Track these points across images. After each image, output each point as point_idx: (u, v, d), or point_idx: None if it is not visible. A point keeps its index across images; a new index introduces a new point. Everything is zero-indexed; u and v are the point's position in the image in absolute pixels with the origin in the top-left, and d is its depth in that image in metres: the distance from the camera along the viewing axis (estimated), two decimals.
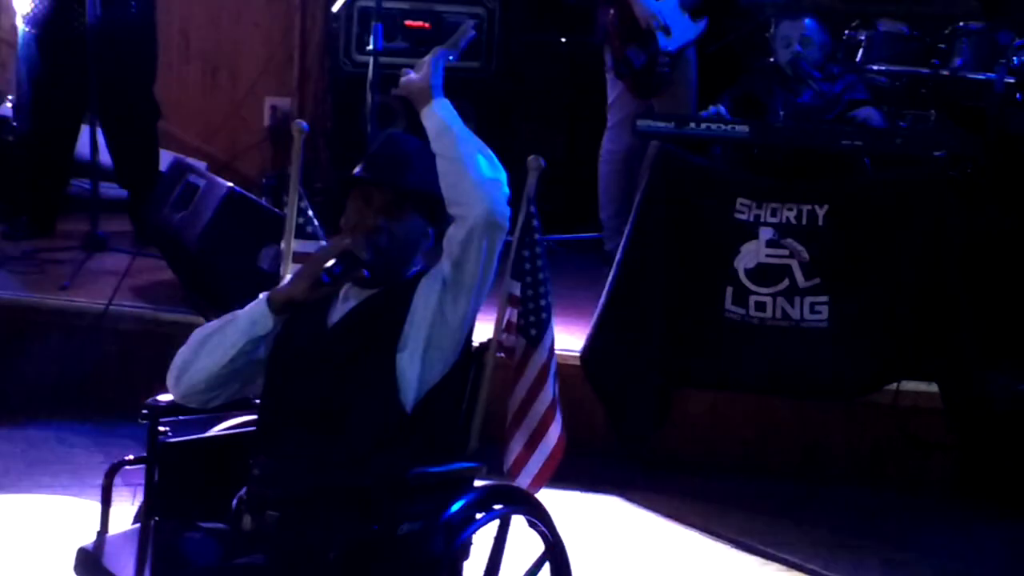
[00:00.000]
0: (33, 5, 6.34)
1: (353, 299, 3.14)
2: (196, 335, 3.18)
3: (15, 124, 6.84)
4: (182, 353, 3.17)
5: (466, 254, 3.03)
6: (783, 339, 5.22)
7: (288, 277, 3.34)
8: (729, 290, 5.25)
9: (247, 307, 3.15)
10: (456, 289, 3.06)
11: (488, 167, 3.05)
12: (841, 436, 5.30)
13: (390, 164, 3.15)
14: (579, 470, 4.92)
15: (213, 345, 3.13)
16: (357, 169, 3.19)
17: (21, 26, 6.45)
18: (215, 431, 3.31)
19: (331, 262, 3.05)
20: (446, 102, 3.12)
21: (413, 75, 3.14)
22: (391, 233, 3.11)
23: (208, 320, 3.29)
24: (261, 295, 3.19)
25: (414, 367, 3.04)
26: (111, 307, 5.54)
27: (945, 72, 6.05)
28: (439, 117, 3.09)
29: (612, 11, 6.45)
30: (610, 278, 5.37)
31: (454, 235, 3.04)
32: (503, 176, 3.07)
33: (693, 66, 6.50)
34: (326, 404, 3.05)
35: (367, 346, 3.06)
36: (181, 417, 3.20)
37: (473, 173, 3.02)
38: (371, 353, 3.05)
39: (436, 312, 3.06)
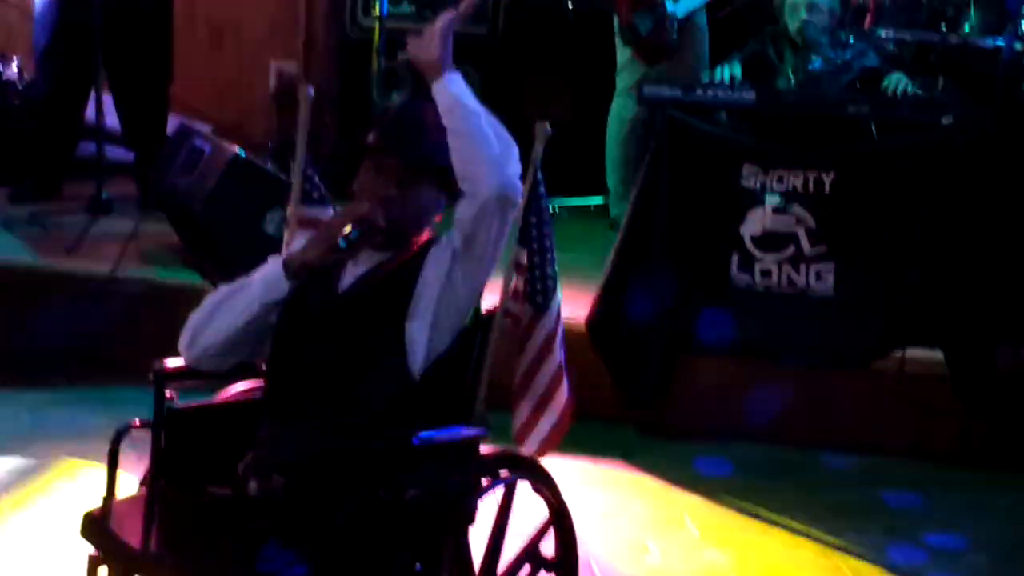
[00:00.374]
0: None
1: (363, 265, 3.14)
2: (210, 299, 3.17)
3: (22, 88, 6.83)
4: (195, 316, 3.17)
5: (477, 229, 3.02)
6: (789, 306, 5.22)
7: (295, 242, 3.34)
8: (735, 257, 5.25)
9: (261, 271, 3.14)
10: (466, 262, 3.05)
11: (499, 142, 3.02)
12: (846, 402, 5.30)
13: (405, 133, 3.14)
14: (585, 436, 4.94)
15: (227, 308, 3.13)
16: (371, 136, 3.17)
17: None
18: (222, 396, 3.32)
19: (348, 228, 3.05)
20: (457, 76, 3.08)
21: (420, 43, 3.09)
22: (403, 202, 3.10)
23: (214, 284, 3.30)
24: (271, 259, 3.19)
25: (423, 336, 3.04)
26: (117, 271, 5.53)
27: (954, 38, 6.01)
28: (450, 91, 3.05)
29: None
30: (616, 244, 5.36)
31: (465, 210, 3.02)
32: (514, 151, 3.04)
33: (704, 32, 6.47)
34: (334, 369, 3.06)
35: (377, 313, 3.06)
36: (188, 382, 3.21)
37: (484, 149, 3.00)
38: (381, 320, 3.05)
39: (446, 283, 3.06)
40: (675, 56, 6.40)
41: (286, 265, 3.11)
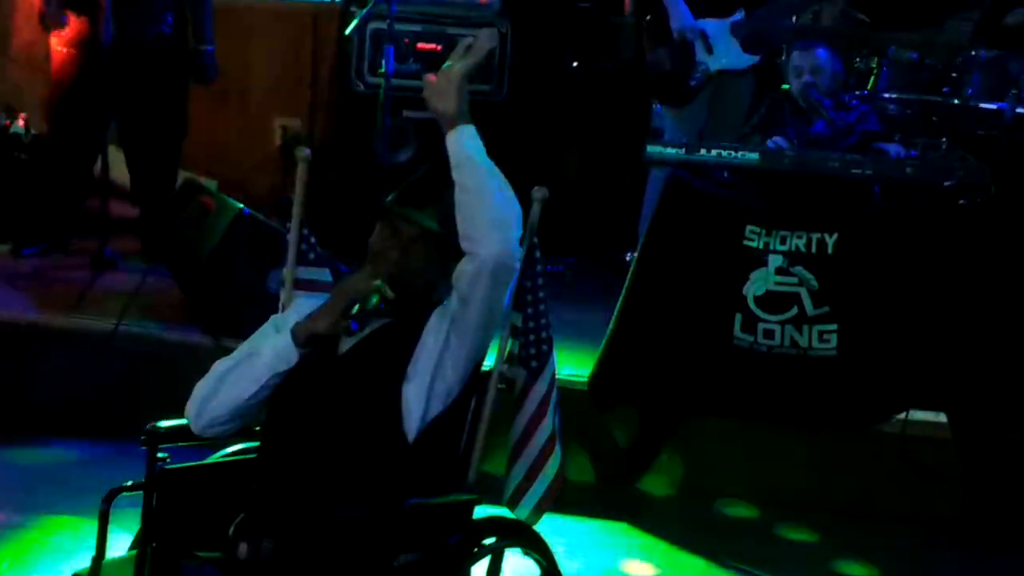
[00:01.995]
0: (64, 22, 6.36)
1: (366, 328, 3.13)
2: (217, 368, 3.16)
3: (29, 142, 6.86)
4: (203, 386, 3.16)
5: (473, 292, 3.00)
6: (791, 367, 5.20)
7: (294, 304, 3.33)
8: (738, 317, 5.23)
9: (270, 341, 3.13)
10: (463, 325, 3.05)
11: (504, 205, 2.99)
12: (849, 466, 5.27)
13: (423, 200, 3.13)
14: (585, 496, 4.94)
15: (236, 378, 3.12)
16: (391, 196, 3.17)
17: (55, 46, 6.46)
18: (215, 457, 3.30)
19: (356, 307, 3.03)
20: (470, 129, 3.06)
21: (437, 90, 3.07)
22: (416, 268, 3.09)
23: (217, 341, 3.29)
24: (271, 318, 3.18)
25: (420, 400, 3.03)
26: (120, 327, 5.54)
27: (956, 100, 6.04)
28: (462, 145, 3.04)
29: (649, 16, 6.46)
30: (619, 303, 5.35)
31: (463, 271, 3.01)
32: (518, 214, 3.02)
33: (745, 94, 6.44)
34: (329, 432, 3.05)
35: (375, 376, 3.05)
36: (181, 443, 3.20)
37: (488, 211, 2.97)
38: (378, 383, 3.05)
39: (444, 347, 3.05)
40: (716, 109, 6.39)
41: (294, 335, 3.09)
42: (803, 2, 6.22)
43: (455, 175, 3.00)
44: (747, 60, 6.27)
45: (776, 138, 5.60)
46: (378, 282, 3.05)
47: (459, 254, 3.02)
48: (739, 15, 6.21)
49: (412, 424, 3.04)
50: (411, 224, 3.11)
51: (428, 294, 3.14)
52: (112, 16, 6.10)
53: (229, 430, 3.17)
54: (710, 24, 6.28)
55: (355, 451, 3.02)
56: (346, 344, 3.13)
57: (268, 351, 3.10)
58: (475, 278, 2.99)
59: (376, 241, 3.14)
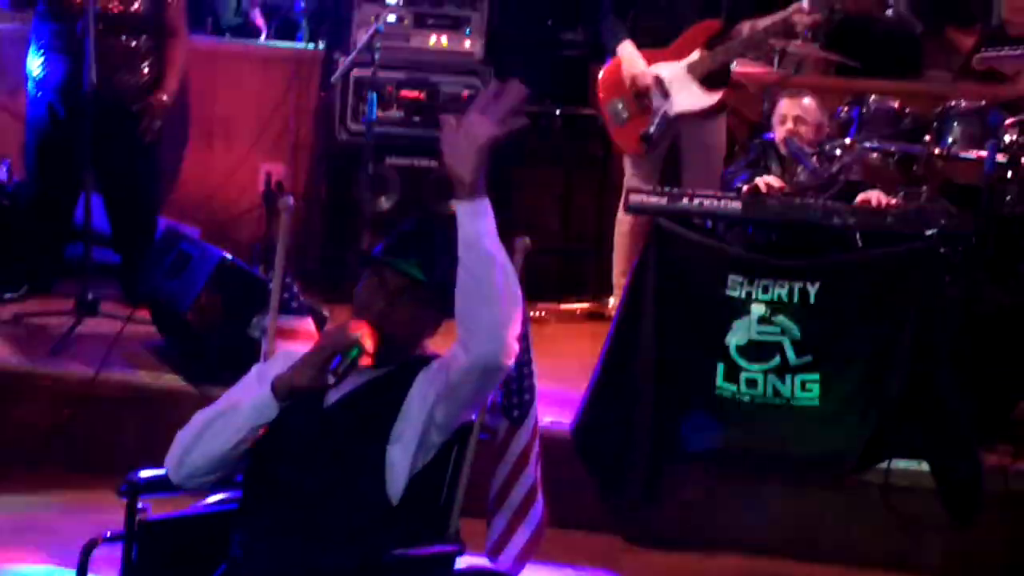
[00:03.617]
0: (44, 69, 6.37)
1: (350, 381, 3.11)
2: (197, 419, 3.14)
3: (10, 188, 6.85)
4: (183, 436, 3.14)
5: (463, 382, 2.98)
6: (774, 417, 5.20)
7: (277, 353, 3.33)
8: (720, 366, 5.23)
9: (249, 393, 3.11)
10: (451, 404, 3.03)
11: (507, 304, 2.88)
12: (832, 514, 5.26)
13: (411, 251, 3.11)
14: (568, 544, 4.92)
15: (216, 430, 3.10)
16: (379, 247, 3.16)
17: (32, 89, 6.48)
18: (195, 507, 3.29)
19: (336, 361, 3.02)
20: (485, 205, 2.88)
21: (457, 149, 2.90)
22: (400, 320, 3.09)
23: (198, 389, 3.28)
24: (254, 369, 3.17)
25: (404, 462, 3.02)
26: (101, 373, 5.52)
27: (936, 150, 6.07)
28: (475, 223, 2.86)
29: (603, 69, 6.50)
30: (603, 351, 5.35)
31: (456, 356, 2.97)
32: (518, 310, 2.92)
33: (717, 134, 6.46)
34: (312, 487, 3.03)
35: (359, 434, 3.04)
36: (162, 493, 3.19)
37: (489, 309, 2.87)
38: (362, 442, 3.04)
39: (429, 416, 3.04)
40: (690, 158, 6.42)
41: (274, 388, 3.06)
42: (761, 40, 6.22)
43: (461, 252, 2.86)
44: (708, 100, 6.29)
45: (767, 176, 5.61)
46: (359, 335, 3.04)
47: (447, 306, 3.00)
48: (696, 54, 6.25)
49: (396, 485, 3.02)
50: (398, 274, 3.10)
51: (414, 345, 3.13)
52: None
53: (209, 482, 3.16)
54: (666, 67, 6.31)
55: (338, 508, 3.01)
56: (332, 397, 3.12)
57: (248, 404, 3.08)
58: (466, 372, 2.96)
59: (362, 291, 3.13)
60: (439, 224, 3.10)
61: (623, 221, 6.52)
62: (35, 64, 6.47)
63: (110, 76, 6.24)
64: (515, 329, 2.90)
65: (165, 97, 6.53)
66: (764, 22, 6.15)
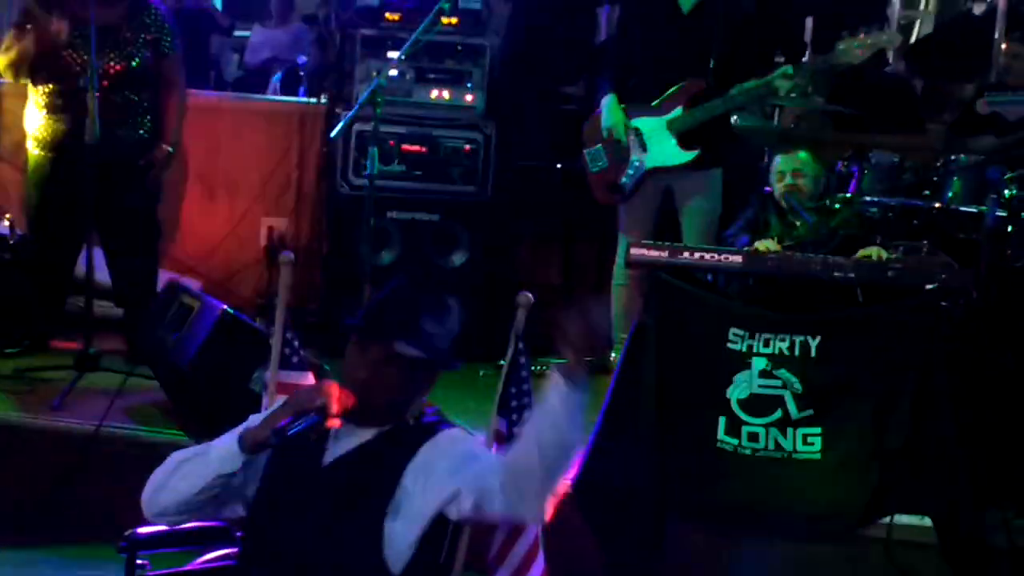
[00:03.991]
0: (44, 128, 6.41)
1: (347, 440, 3.09)
2: (172, 459, 3.18)
3: (12, 243, 6.87)
4: (158, 473, 3.18)
5: (486, 515, 3.01)
6: (776, 470, 5.18)
7: (265, 414, 3.31)
8: (722, 420, 5.22)
9: (222, 439, 3.12)
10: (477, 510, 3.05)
11: (560, 480, 3.00)
12: (835, 569, 5.23)
13: (391, 320, 3.09)
14: None
15: (185, 473, 3.12)
16: (361, 312, 3.16)
17: (32, 148, 6.50)
18: (194, 565, 3.28)
19: (287, 421, 3.00)
20: (581, 398, 2.99)
21: (582, 337, 2.96)
22: (383, 387, 3.06)
23: (199, 443, 3.28)
24: (249, 419, 3.17)
25: (409, 537, 3.00)
26: (102, 428, 5.50)
27: (937, 204, 6.09)
28: (566, 409, 2.94)
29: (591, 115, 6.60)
30: (603, 405, 5.34)
31: (493, 497, 2.99)
32: (559, 479, 3.02)
33: (713, 192, 6.47)
34: (311, 556, 3.01)
35: (353, 502, 3.01)
36: (162, 550, 3.18)
37: (544, 483, 2.95)
38: (356, 512, 3.01)
39: (453, 503, 3.03)
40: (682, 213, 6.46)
41: (241, 440, 3.07)
42: (743, 102, 6.24)
43: (542, 423, 2.96)
44: (684, 156, 6.33)
45: (766, 242, 5.63)
46: (323, 400, 3.00)
47: (428, 372, 3.02)
48: (677, 111, 6.29)
49: (398, 559, 3.01)
50: (375, 342, 3.07)
51: (404, 405, 3.11)
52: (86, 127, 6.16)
53: (180, 521, 3.16)
54: (646, 122, 6.36)
55: (337, 570, 2.99)
56: (329, 455, 3.09)
57: (216, 452, 3.09)
58: (495, 512, 3.00)
59: (346, 359, 3.11)
60: (423, 289, 3.09)
61: (618, 275, 6.55)
62: (35, 123, 6.50)
63: (111, 131, 6.28)
64: (551, 497, 3.00)
65: (167, 147, 6.55)
66: (748, 85, 6.19)
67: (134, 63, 6.46)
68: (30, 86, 6.52)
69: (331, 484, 3.06)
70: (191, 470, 3.11)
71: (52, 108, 6.44)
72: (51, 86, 6.41)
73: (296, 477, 3.08)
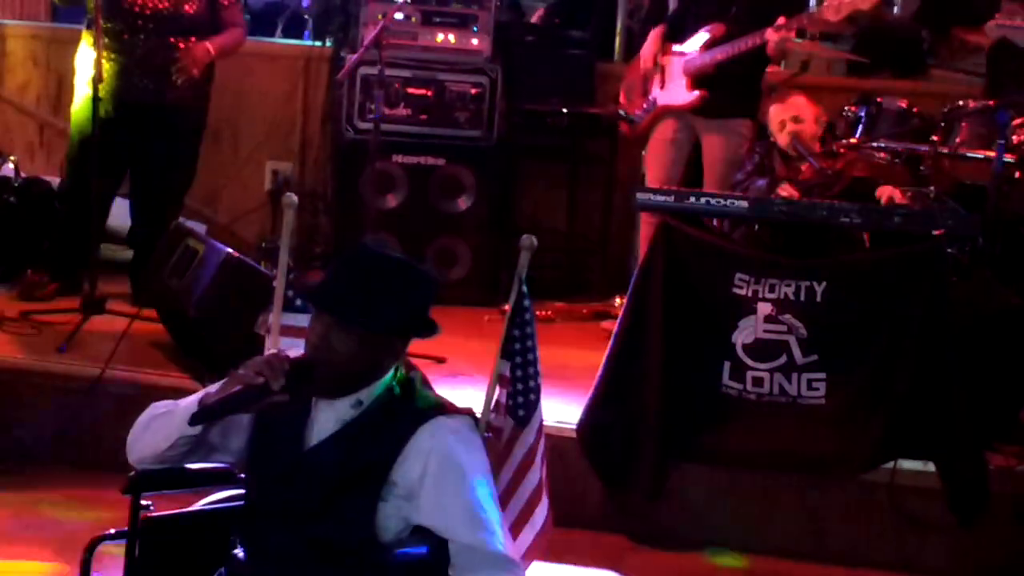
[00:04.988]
0: (94, 68, 6.36)
1: (328, 420, 3.02)
2: (149, 410, 3.16)
3: (16, 184, 6.86)
4: (138, 422, 3.16)
5: None
6: (780, 415, 5.19)
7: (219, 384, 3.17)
8: (727, 365, 5.23)
9: (190, 399, 3.09)
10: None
11: None
12: (838, 515, 5.25)
13: (339, 291, 2.99)
14: (573, 544, 4.91)
15: (155, 428, 3.11)
16: (319, 283, 3.07)
17: (82, 86, 6.45)
18: (198, 506, 3.28)
19: (228, 395, 2.96)
20: None
21: None
22: (341, 358, 2.96)
23: (204, 385, 3.25)
24: (195, 396, 3.13)
25: (399, 516, 2.97)
26: (107, 371, 5.52)
27: (944, 149, 6.05)
28: None
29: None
30: (608, 350, 5.35)
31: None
32: None
33: (734, 147, 6.32)
34: (306, 532, 2.98)
35: (345, 490, 2.96)
36: (165, 491, 3.19)
37: None
38: (348, 499, 2.96)
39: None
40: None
41: (200, 403, 3.03)
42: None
43: None
44: (685, 97, 6.29)
45: (787, 185, 5.61)
46: (261, 380, 2.93)
47: (390, 343, 2.97)
48: (695, 53, 6.26)
49: (389, 531, 2.98)
50: (327, 311, 2.99)
51: (365, 380, 3.03)
52: (135, 69, 6.18)
53: (161, 467, 3.15)
54: (671, 60, 6.35)
55: (333, 553, 2.98)
56: (312, 435, 3.03)
57: (179, 413, 3.06)
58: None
59: (311, 323, 3.04)
60: (386, 262, 3.01)
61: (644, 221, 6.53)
62: (85, 62, 6.43)
63: (156, 76, 6.25)
64: None
65: (210, 47, 6.44)
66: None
67: (185, 6, 6.38)
68: (85, 29, 6.45)
69: (318, 468, 2.99)
70: (159, 426, 3.09)
71: (104, 47, 6.36)
72: (103, 26, 6.34)
73: (280, 459, 3.03)
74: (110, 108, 6.28)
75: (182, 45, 6.38)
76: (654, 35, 6.45)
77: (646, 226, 6.29)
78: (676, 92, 6.33)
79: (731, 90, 6.26)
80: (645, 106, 6.40)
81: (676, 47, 6.35)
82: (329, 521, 2.96)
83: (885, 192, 5.46)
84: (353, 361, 2.96)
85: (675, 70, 6.34)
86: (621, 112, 6.55)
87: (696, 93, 6.23)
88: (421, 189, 7.14)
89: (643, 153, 6.62)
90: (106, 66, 6.26)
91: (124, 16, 6.29)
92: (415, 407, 3.01)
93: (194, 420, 3.00)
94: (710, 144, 6.34)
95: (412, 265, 3.02)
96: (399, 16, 6.96)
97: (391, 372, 3.03)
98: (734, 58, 6.11)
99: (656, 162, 6.49)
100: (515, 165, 7.49)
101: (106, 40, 6.29)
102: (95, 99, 6.10)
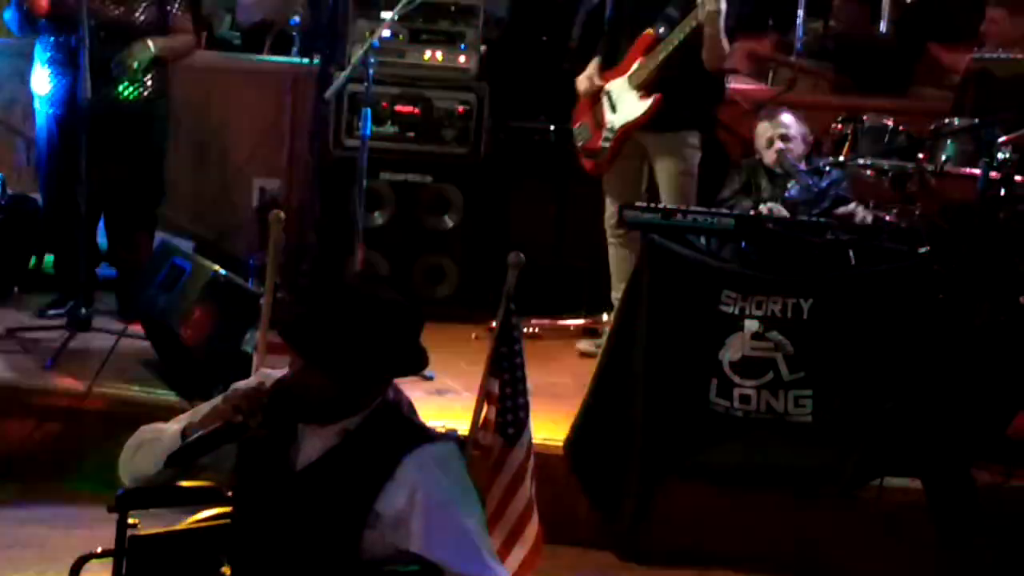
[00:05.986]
0: (47, 83, 6.36)
1: (312, 438, 3.02)
2: (138, 434, 3.17)
3: (2, 202, 6.85)
4: (128, 444, 3.17)
5: None
6: (767, 432, 5.20)
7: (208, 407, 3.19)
8: (714, 382, 5.24)
9: (174, 426, 3.10)
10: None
11: None
12: (824, 532, 5.25)
13: (322, 333, 2.95)
14: (561, 560, 4.90)
15: (144, 453, 3.12)
16: (295, 317, 3.05)
17: (40, 107, 6.45)
18: (186, 524, 3.27)
19: (205, 432, 2.96)
20: None
21: None
22: (313, 391, 2.96)
23: (191, 404, 3.26)
24: (231, 388, 3.13)
25: (383, 542, 2.94)
26: (93, 388, 5.50)
27: (930, 167, 6.07)
28: None
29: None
30: (596, 368, 5.35)
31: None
32: None
33: (682, 152, 6.34)
34: (292, 554, 2.98)
35: (330, 518, 2.95)
36: (152, 507, 3.18)
37: None
38: (334, 527, 2.95)
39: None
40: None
41: (183, 435, 3.03)
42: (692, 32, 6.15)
43: None
44: (642, 107, 6.24)
45: (771, 204, 5.63)
46: (240, 418, 2.94)
47: (352, 383, 2.94)
48: (635, 65, 6.25)
49: (375, 553, 2.96)
50: (292, 344, 3.00)
51: (345, 410, 3.01)
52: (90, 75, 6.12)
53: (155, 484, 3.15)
54: (614, 83, 6.34)
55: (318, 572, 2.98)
56: (300, 457, 3.02)
57: (165, 440, 3.07)
58: None
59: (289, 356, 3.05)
60: (354, 301, 2.98)
61: (612, 238, 6.53)
62: (39, 79, 6.44)
63: (110, 87, 6.24)
64: None
65: (149, 42, 6.38)
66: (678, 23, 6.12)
67: (135, 14, 6.36)
68: (37, 43, 6.44)
69: (304, 494, 2.98)
70: (147, 451, 3.10)
71: (54, 63, 6.35)
72: (53, 40, 6.33)
73: (267, 482, 3.02)
74: (67, 121, 6.27)
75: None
76: (591, 67, 6.45)
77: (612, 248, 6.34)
78: (630, 108, 6.27)
79: (677, 101, 6.20)
80: (605, 135, 6.36)
81: (612, 74, 6.37)
82: (314, 545, 2.95)
83: (854, 211, 5.48)
84: (328, 396, 2.96)
85: (621, 90, 6.33)
86: (583, 154, 6.55)
87: (651, 99, 6.18)
88: (408, 206, 7.14)
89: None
90: (56, 81, 6.27)
91: (76, 27, 6.21)
92: (400, 435, 3.00)
93: (170, 462, 3.01)
94: (661, 163, 6.30)
95: (392, 303, 2.98)
96: (387, 34, 6.96)
97: (378, 399, 3.02)
98: (673, 57, 6.09)
99: (614, 179, 6.47)
100: (503, 182, 7.49)
101: (59, 55, 6.29)
102: (55, 115, 6.09)
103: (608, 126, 6.30)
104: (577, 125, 6.58)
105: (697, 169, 6.27)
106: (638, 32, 6.28)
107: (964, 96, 6.76)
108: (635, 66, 6.24)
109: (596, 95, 6.41)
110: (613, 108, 6.32)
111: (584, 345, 6.56)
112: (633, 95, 6.24)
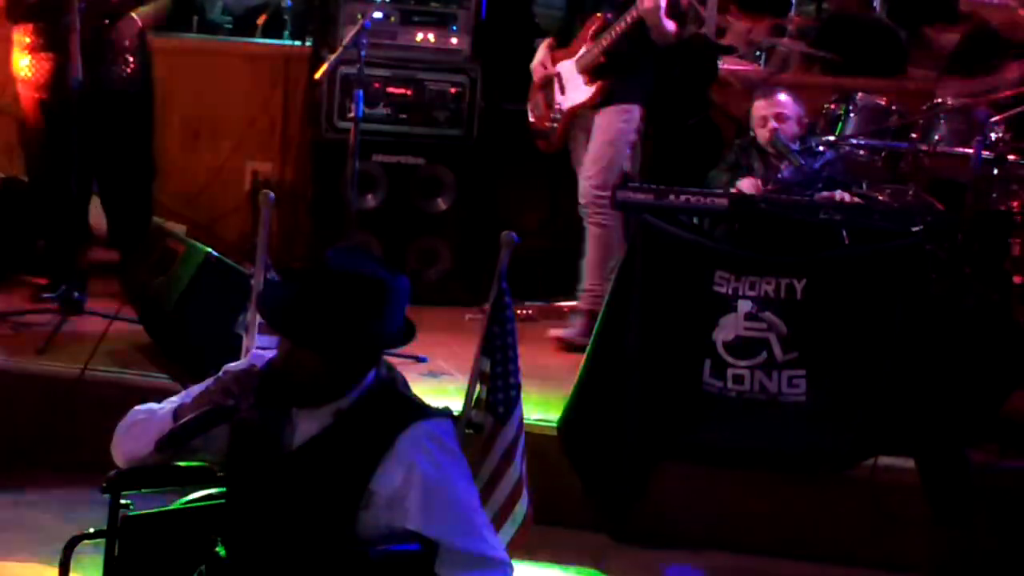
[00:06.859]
0: (31, 70, 6.34)
1: (307, 421, 3.02)
2: (130, 416, 3.19)
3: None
4: (120, 426, 3.20)
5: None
6: (761, 412, 5.20)
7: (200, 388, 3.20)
8: (707, 362, 5.23)
9: (167, 407, 3.12)
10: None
11: None
12: (818, 512, 5.26)
13: (307, 315, 2.94)
14: (554, 541, 4.91)
15: (135, 434, 3.14)
16: (280, 301, 3.06)
17: (22, 91, 6.44)
18: (179, 504, 3.27)
19: (196, 416, 2.98)
20: None
21: None
22: (304, 371, 2.97)
23: (184, 385, 3.27)
24: (223, 369, 3.13)
25: (378, 522, 2.95)
26: (86, 372, 5.50)
27: (923, 147, 6.07)
28: None
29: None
30: (589, 349, 5.35)
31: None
32: None
33: (615, 130, 6.32)
34: (287, 533, 2.98)
35: (325, 499, 2.96)
36: (144, 490, 3.18)
37: None
38: (328, 508, 2.96)
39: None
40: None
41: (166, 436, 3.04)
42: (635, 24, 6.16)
43: None
44: (586, 92, 6.31)
45: (746, 179, 5.62)
46: (233, 403, 2.98)
47: (355, 361, 2.96)
48: (583, 49, 6.30)
49: (369, 533, 2.98)
50: (277, 327, 3.01)
51: (337, 391, 3.01)
52: (70, 62, 6.09)
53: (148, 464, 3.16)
54: (564, 65, 6.41)
55: (312, 560, 2.97)
56: (293, 438, 3.02)
57: (155, 422, 3.09)
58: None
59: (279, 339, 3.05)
60: (341, 279, 2.96)
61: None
62: (21, 66, 6.43)
63: (96, 68, 6.22)
64: None
65: (136, 18, 6.40)
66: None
67: None
68: (15, 29, 6.43)
69: (296, 473, 2.99)
70: (139, 432, 3.12)
71: (36, 49, 6.35)
72: (33, 27, 6.32)
73: (260, 458, 3.03)
74: (55, 107, 6.26)
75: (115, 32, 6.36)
76: (543, 48, 6.54)
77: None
78: (577, 92, 6.38)
79: (621, 77, 6.27)
80: (553, 116, 6.44)
81: (565, 54, 6.43)
82: (309, 525, 2.95)
83: (836, 196, 5.48)
84: (318, 377, 2.96)
85: (570, 73, 6.40)
86: (534, 131, 6.60)
87: (595, 86, 6.24)
88: (401, 188, 7.14)
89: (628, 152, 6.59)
90: (41, 66, 6.25)
91: (54, 13, 6.20)
92: (394, 413, 3.00)
93: (161, 447, 3.02)
94: (596, 124, 6.34)
95: (377, 279, 2.96)
96: (378, 15, 6.95)
97: (371, 376, 3.02)
98: (618, 40, 6.11)
99: (577, 160, 6.50)
100: (495, 164, 7.48)
101: (40, 40, 6.27)
102: (40, 100, 6.09)
103: (557, 106, 6.36)
104: (531, 103, 6.67)
105: (632, 142, 6.33)
106: (590, 13, 6.37)
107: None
108: (582, 50, 6.33)
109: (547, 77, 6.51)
110: (562, 89, 6.39)
111: (557, 331, 6.50)
112: (580, 79, 6.36)
